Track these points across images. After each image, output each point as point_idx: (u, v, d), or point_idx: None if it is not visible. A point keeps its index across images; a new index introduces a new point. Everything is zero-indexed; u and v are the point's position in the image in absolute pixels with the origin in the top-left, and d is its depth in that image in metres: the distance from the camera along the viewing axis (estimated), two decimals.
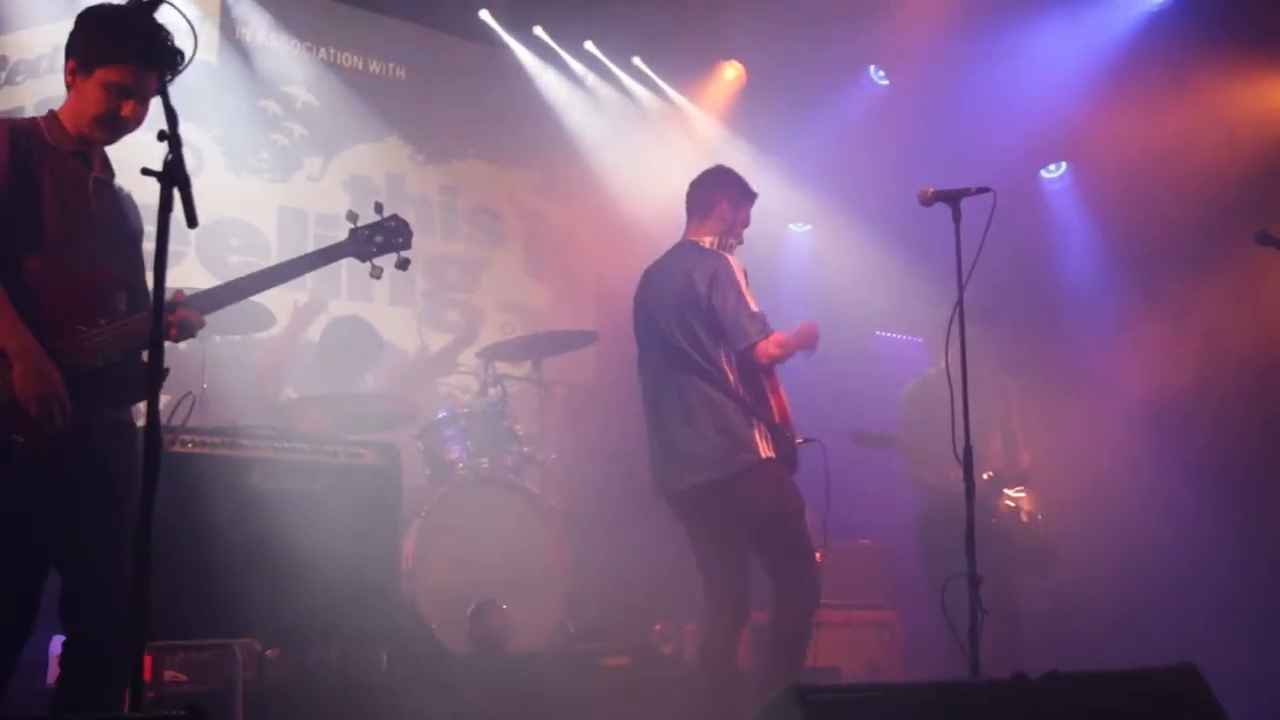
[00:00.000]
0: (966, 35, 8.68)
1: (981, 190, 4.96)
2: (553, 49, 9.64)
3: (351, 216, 4.40)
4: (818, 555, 7.64)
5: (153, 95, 3.99)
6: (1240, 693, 4.52)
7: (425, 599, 6.18)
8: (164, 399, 3.32)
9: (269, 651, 5.54)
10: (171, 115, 3.35)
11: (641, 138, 9.80)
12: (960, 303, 4.88)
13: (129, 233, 4.17)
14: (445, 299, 9.13)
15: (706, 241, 5.57)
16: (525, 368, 7.80)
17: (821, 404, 8.87)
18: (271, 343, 7.65)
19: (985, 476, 6.78)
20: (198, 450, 5.23)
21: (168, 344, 3.40)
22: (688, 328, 5.39)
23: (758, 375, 5.36)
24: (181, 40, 3.74)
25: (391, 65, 9.13)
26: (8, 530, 3.76)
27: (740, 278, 5.37)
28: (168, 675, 5.51)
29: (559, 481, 7.46)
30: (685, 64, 9.94)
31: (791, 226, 10.42)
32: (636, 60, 9.94)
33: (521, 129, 9.54)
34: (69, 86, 4.00)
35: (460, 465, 6.79)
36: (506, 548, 6.52)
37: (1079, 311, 8.91)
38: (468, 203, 9.38)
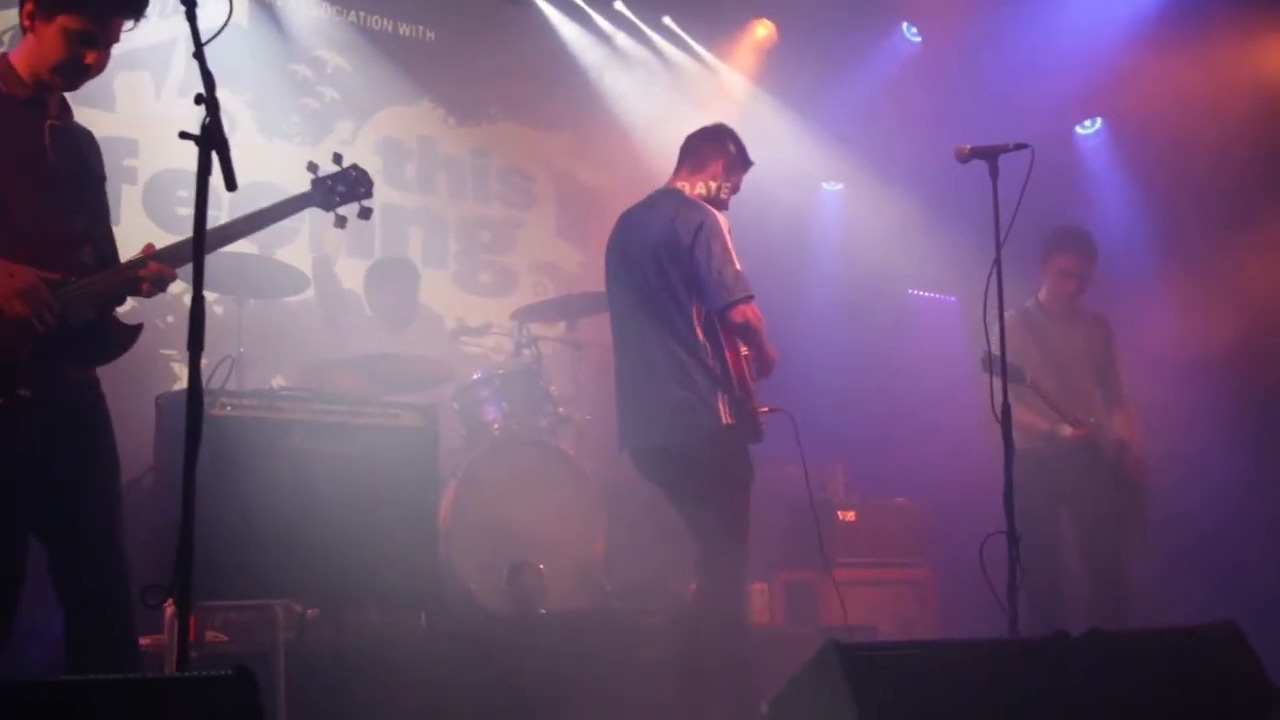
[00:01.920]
0: None
1: (1020, 146, 4.92)
2: (583, 9, 9.59)
3: (312, 167, 4.39)
4: (849, 515, 7.71)
5: (116, 41, 3.90)
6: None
7: (462, 559, 6.22)
8: (202, 362, 3.30)
9: (309, 612, 5.58)
10: (208, 79, 3.28)
11: (672, 98, 9.76)
12: (998, 260, 4.85)
13: (91, 179, 4.06)
14: (479, 260, 9.14)
15: (691, 191, 5.36)
16: (559, 329, 7.82)
17: (855, 362, 8.91)
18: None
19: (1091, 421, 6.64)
20: (236, 413, 5.25)
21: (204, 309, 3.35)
22: (664, 278, 5.18)
23: (727, 338, 5.17)
24: (216, 6, 3.61)
25: (421, 28, 9.11)
26: None
27: (727, 234, 5.16)
28: (209, 635, 5.55)
29: (594, 442, 7.46)
30: (716, 23, 9.88)
31: (824, 185, 10.37)
32: (667, 20, 9.88)
33: (552, 90, 9.52)
34: (25, 30, 3.86)
35: (496, 426, 6.82)
36: (542, 508, 6.56)
37: (1114, 268, 8.84)
38: (500, 164, 9.37)
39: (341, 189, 4.42)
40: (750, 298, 5.09)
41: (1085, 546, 6.62)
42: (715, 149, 5.47)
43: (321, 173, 4.40)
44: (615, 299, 5.47)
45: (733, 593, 5.17)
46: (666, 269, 5.18)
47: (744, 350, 5.22)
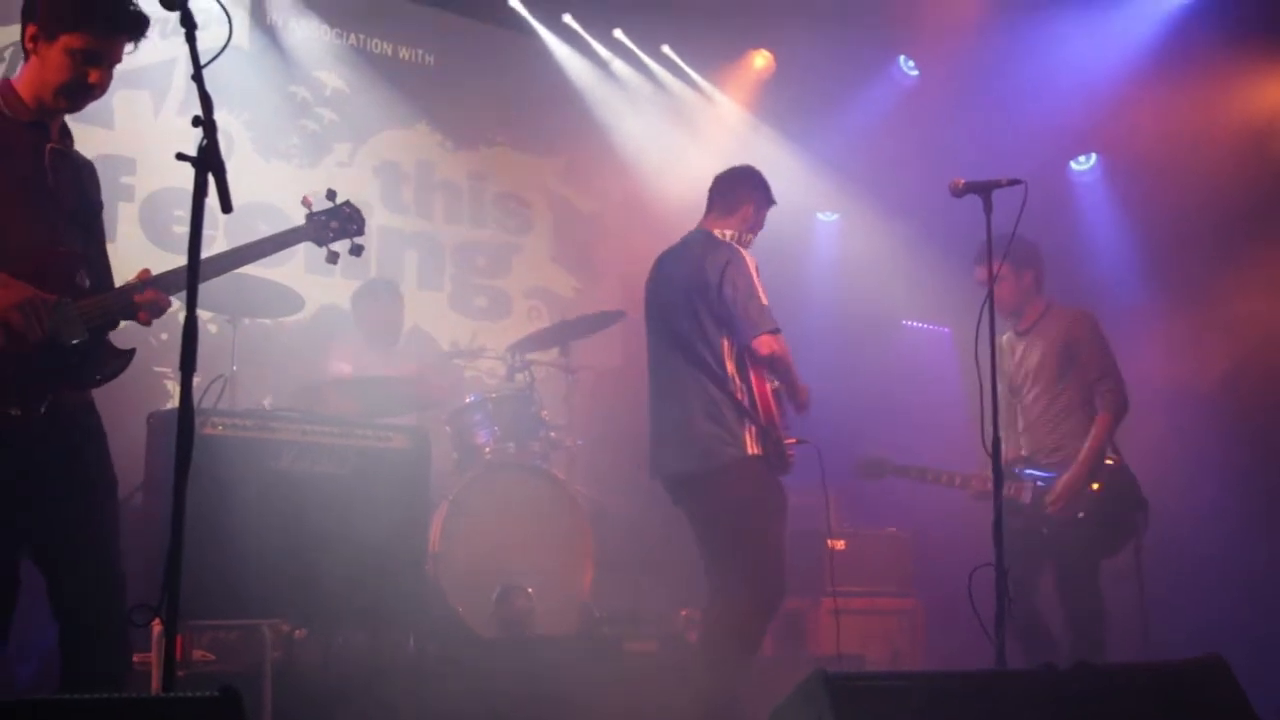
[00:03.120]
0: (996, 27, 8.66)
1: (1013, 182, 4.93)
2: (582, 36, 9.65)
3: (306, 202, 4.42)
4: (839, 544, 7.71)
5: (119, 61, 3.91)
6: (1267, 684, 4.52)
7: (452, 582, 6.22)
8: (194, 380, 3.31)
9: (297, 632, 5.59)
10: (206, 101, 3.29)
11: (670, 126, 9.81)
12: (990, 294, 4.87)
13: (88, 205, 4.07)
14: (474, 284, 9.16)
15: (722, 234, 5.55)
16: (552, 353, 7.84)
17: (848, 392, 8.92)
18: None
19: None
20: (228, 433, 5.26)
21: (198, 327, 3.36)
22: (694, 316, 5.38)
23: (756, 372, 5.33)
24: (217, 28, 3.63)
25: (421, 52, 9.15)
26: None
27: (753, 271, 5.37)
28: (197, 655, 5.54)
29: (585, 467, 7.49)
30: (714, 52, 9.93)
31: (819, 215, 10.41)
32: (665, 48, 9.94)
33: (550, 116, 9.56)
34: (28, 53, 3.86)
35: (488, 450, 6.83)
36: (533, 532, 6.57)
37: (1107, 303, 8.85)
38: (496, 189, 9.40)
39: (335, 225, 4.46)
40: (776, 331, 5.26)
41: (1057, 586, 6.40)
42: (747, 192, 5.66)
43: (316, 208, 4.43)
44: (651, 336, 5.67)
45: (754, 625, 5.30)
46: (697, 308, 5.37)
47: (774, 384, 5.36)
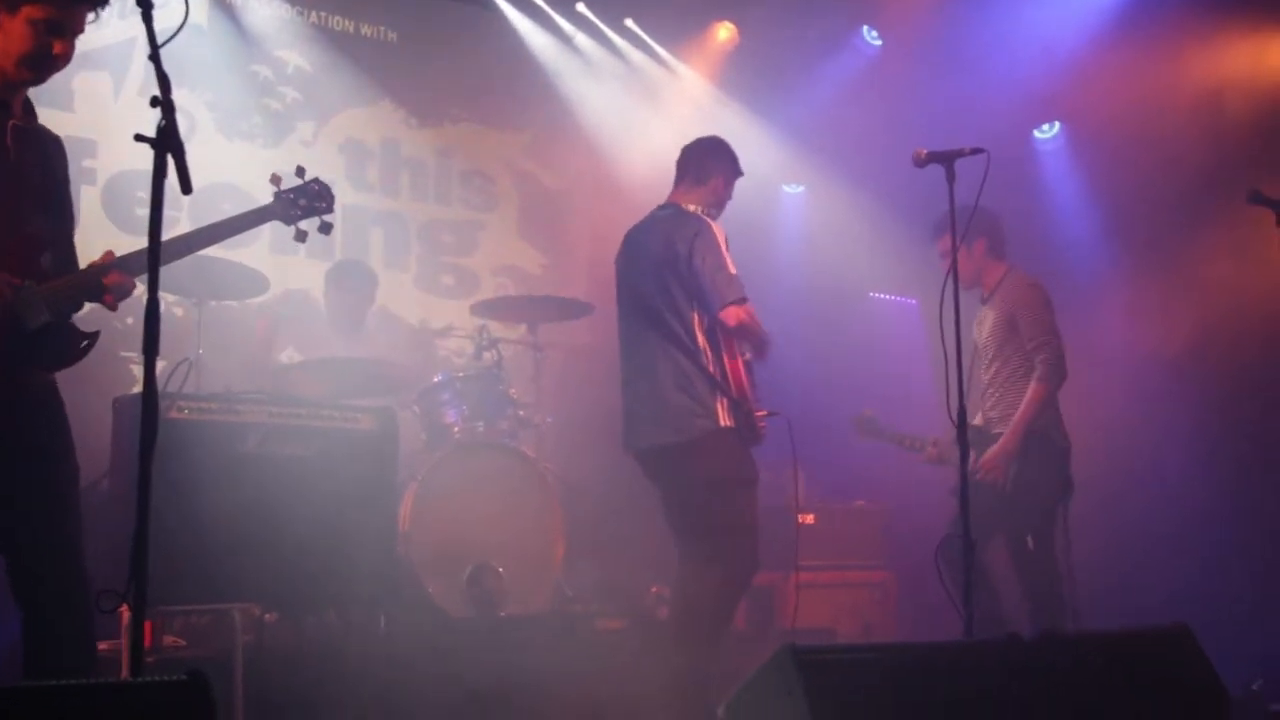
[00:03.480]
0: None
1: (975, 151, 4.95)
2: (544, 10, 9.59)
3: (275, 180, 4.39)
4: (809, 518, 7.74)
5: (81, 31, 3.89)
6: (1233, 653, 4.55)
7: (422, 563, 6.21)
8: (160, 364, 3.30)
9: (268, 616, 5.56)
10: (164, 81, 3.26)
11: (634, 99, 9.78)
12: (954, 264, 4.89)
13: (54, 182, 4.03)
14: (440, 262, 9.13)
15: (691, 207, 5.58)
16: (520, 331, 7.82)
17: (815, 364, 8.93)
18: (265, 312, 7.68)
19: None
20: (194, 416, 5.23)
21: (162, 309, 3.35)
22: (664, 289, 5.40)
23: (727, 344, 5.37)
24: (173, 6, 3.59)
25: (383, 28, 9.09)
26: None
27: (722, 243, 5.39)
28: (167, 640, 5.53)
29: (555, 445, 7.48)
30: (677, 25, 9.88)
31: (785, 187, 10.40)
32: (629, 21, 9.88)
33: (514, 91, 9.52)
34: None
35: (456, 429, 6.82)
36: (503, 511, 6.55)
37: (1072, 272, 8.89)
38: (462, 166, 9.36)
39: (303, 203, 4.44)
40: (744, 300, 5.28)
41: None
42: (715, 164, 5.70)
43: (284, 186, 4.39)
44: (621, 310, 5.68)
45: (726, 599, 5.32)
46: (667, 281, 5.39)
47: (745, 356, 5.40)
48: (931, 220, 6.41)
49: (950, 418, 4.86)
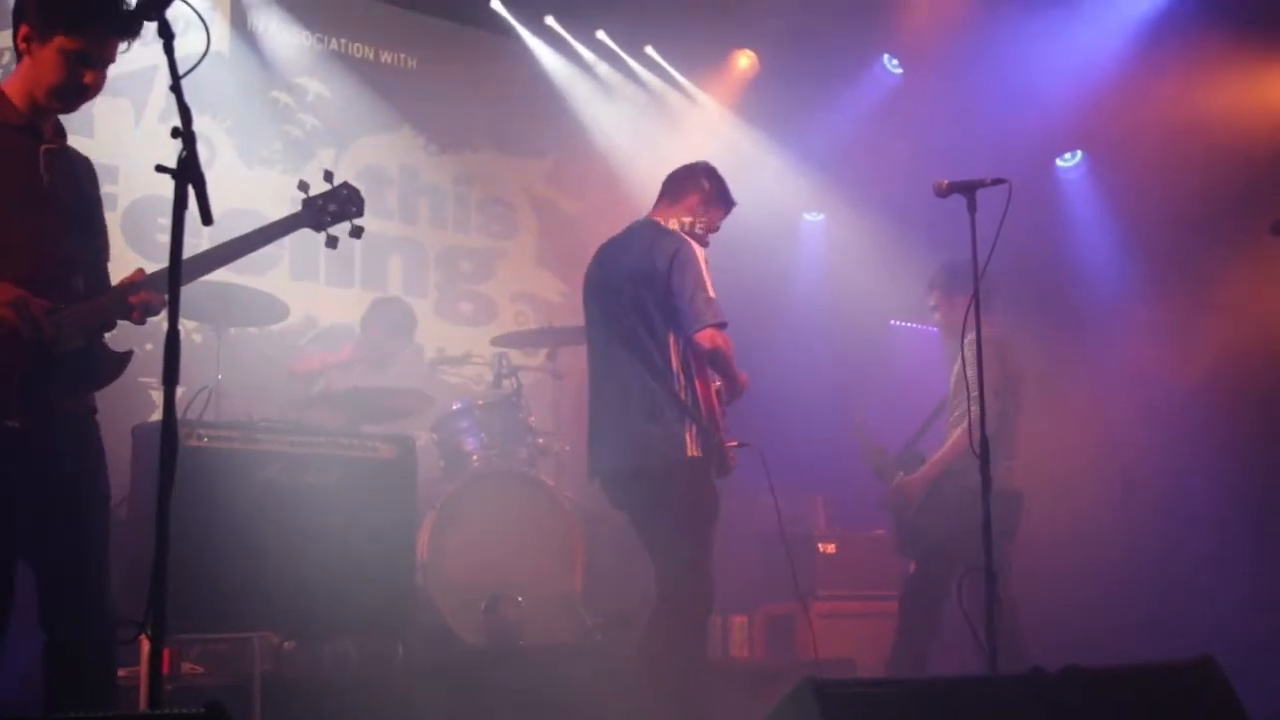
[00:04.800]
0: (980, 24, 8.63)
1: (997, 181, 4.92)
2: (564, 38, 9.62)
3: (303, 186, 4.31)
4: (829, 547, 7.70)
5: (112, 61, 3.89)
6: (1260, 686, 4.51)
7: (440, 592, 6.20)
8: (179, 391, 3.28)
9: (286, 644, 5.55)
10: (185, 112, 3.25)
11: (653, 127, 9.79)
12: (976, 295, 4.87)
13: (84, 203, 4.03)
14: (459, 289, 9.13)
15: (671, 224, 5.36)
16: (539, 358, 7.81)
17: (836, 393, 8.90)
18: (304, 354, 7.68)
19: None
20: (214, 445, 5.24)
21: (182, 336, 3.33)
22: (639, 309, 5.17)
23: (699, 369, 5.15)
24: (196, 34, 3.57)
25: (403, 55, 9.13)
26: None
27: (702, 263, 5.16)
28: (185, 667, 5.53)
29: (574, 473, 7.45)
30: (698, 53, 9.90)
31: (805, 215, 10.39)
32: (649, 49, 9.91)
33: (534, 119, 9.54)
34: (20, 54, 3.84)
35: (475, 457, 6.80)
36: (521, 539, 6.54)
37: (1096, 299, 8.88)
38: (481, 193, 9.38)
39: (333, 208, 4.33)
40: (722, 324, 5.08)
41: None
42: (691, 184, 5.49)
43: (312, 192, 4.34)
44: (591, 328, 5.47)
45: (686, 629, 5.08)
46: (642, 297, 5.18)
47: (716, 382, 5.21)
48: (955, 249, 6.40)
49: (972, 448, 4.84)
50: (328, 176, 4.38)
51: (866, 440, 6.90)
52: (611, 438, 5.22)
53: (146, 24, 3.55)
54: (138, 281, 3.88)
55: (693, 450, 5.07)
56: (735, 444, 5.23)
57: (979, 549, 6.23)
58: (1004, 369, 6.41)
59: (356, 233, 4.40)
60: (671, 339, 5.15)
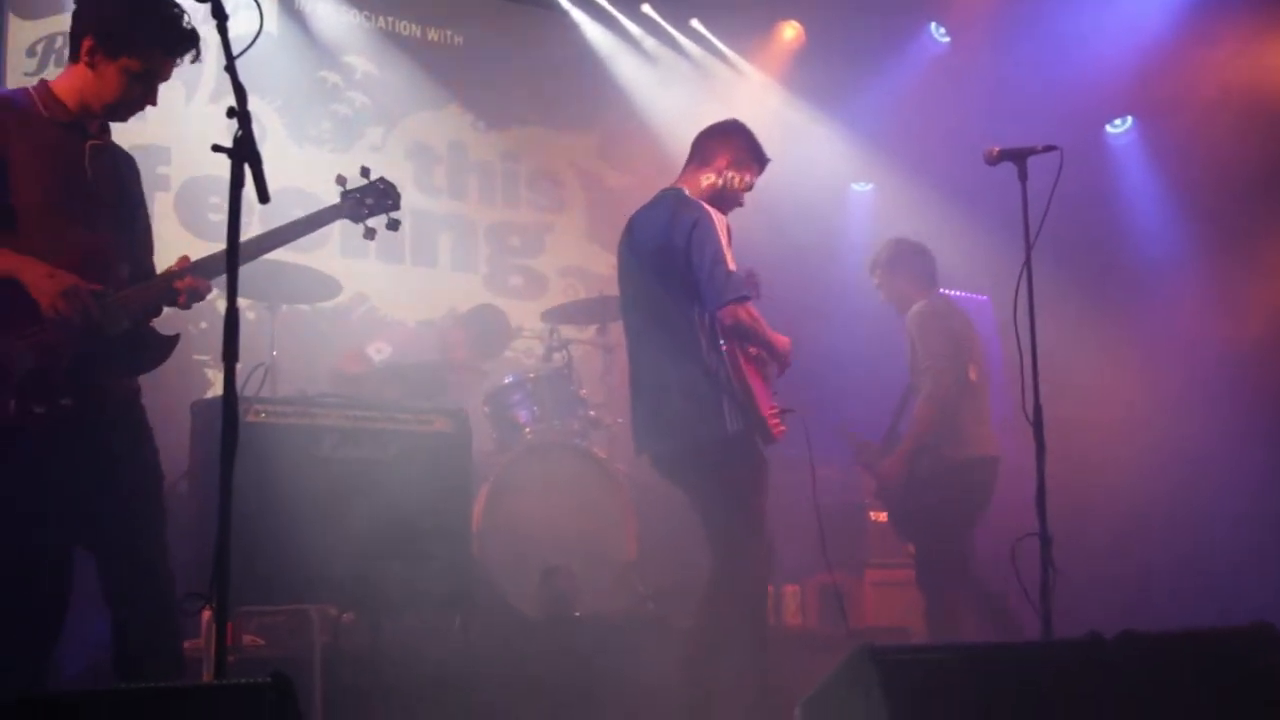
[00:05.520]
0: None
1: (1048, 148, 4.90)
2: (610, 12, 9.63)
3: (340, 180, 4.46)
4: (881, 516, 7.68)
5: (168, 78, 4.02)
6: None
7: (496, 563, 6.24)
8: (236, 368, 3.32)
9: (344, 616, 5.61)
10: (240, 92, 3.28)
11: (700, 99, 9.76)
12: (1028, 262, 4.85)
13: (129, 198, 4.14)
14: (508, 264, 9.17)
15: (690, 190, 5.26)
16: (590, 332, 7.84)
17: (885, 363, 8.88)
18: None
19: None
20: (271, 420, 5.29)
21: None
22: (665, 283, 5.09)
23: (729, 342, 5.02)
24: (246, 15, 3.63)
25: (449, 32, 9.16)
26: (31, 507, 3.76)
27: (721, 233, 5.05)
28: (246, 639, 5.59)
29: (626, 445, 7.43)
30: (743, 25, 9.88)
31: (853, 186, 10.36)
32: (694, 22, 9.90)
33: (580, 93, 9.56)
34: (86, 64, 3.92)
35: (528, 430, 6.84)
36: (575, 511, 6.59)
37: (1147, 266, 8.82)
38: (529, 168, 9.41)
39: (370, 201, 4.50)
40: (742, 298, 4.98)
41: None
42: (720, 143, 5.35)
43: (350, 185, 4.46)
44: (624, 305, 5.42)
45: (741, 601, 5.02)
46: (666, 273, 5.10)
47: (753, 350, 5.11)
48: (1005, 212, 6.41)
49: (1025, 415, 4.83)
50: (364, 171, 4.50)
51: (854, 441, 6.98)
52: (651, 418, 5.17)
53: (189, 4, 3.60)
54: (184, 268, 3.98)
55: (731, 424, 4.98)
56: (777, 410, 5.11)
57: (959, 518, 6.42)
58: (951, 336, 6.60)
59: (393, 225, 4.55)
60: (698, 313, 5.05)
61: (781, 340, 5.16)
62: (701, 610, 5.08)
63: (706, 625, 5.03)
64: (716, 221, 5.08)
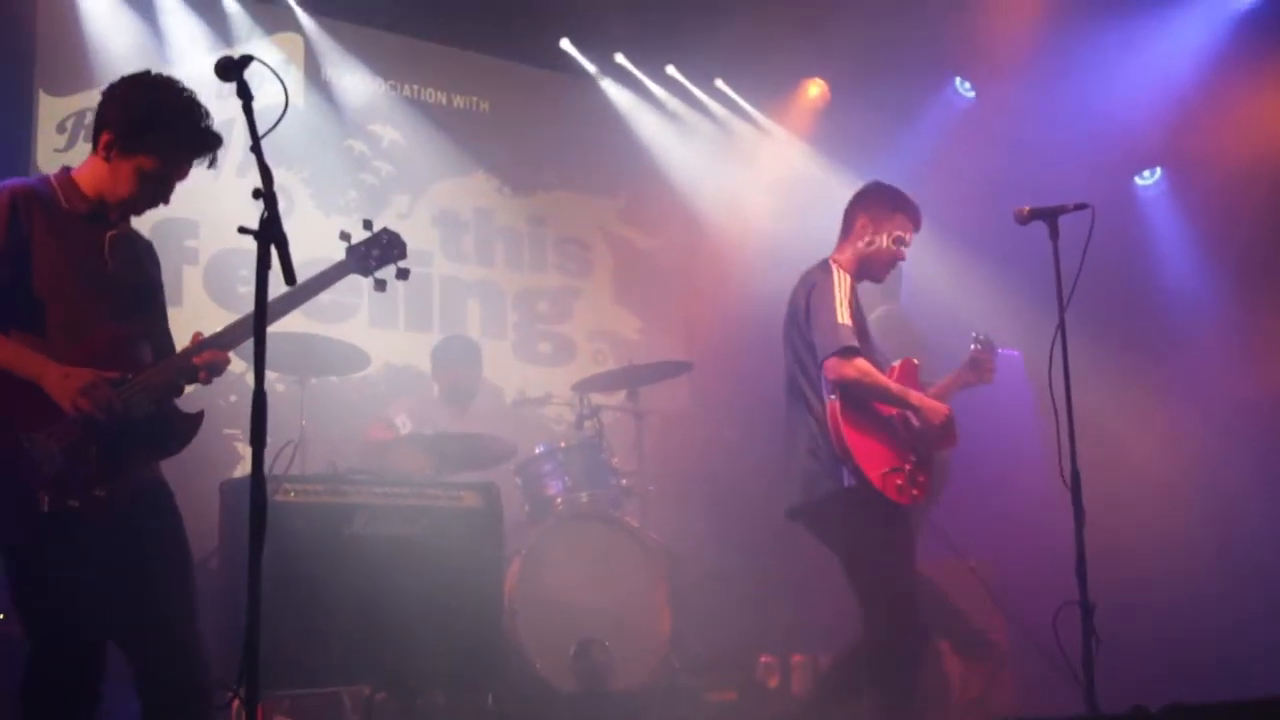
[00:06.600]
0: (1051, 42, 8.55)
1: (1080, 207, 4.86)
2: (634, 74, 9.64)
3: (345, 236, 4.42)
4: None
5: (184, 179, 4.03)
6: None
7: (528, 637, 6.17)
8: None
9: (378, 696, 5.55)
10: (266, 173, 3.30)
11: (726, 159, 9.78)
12: (1061, 325, 4.78)
13: (149, 286, 4.16)
14: (537, 330, 9.15)
15: (838, 260, 5.31)
16: (620, 397, 7.79)
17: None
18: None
19: None
20: (300, 499, 5.29)
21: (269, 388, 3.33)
22: (794, 348, 5.23)
23: (843, 396, 4.99)
24: (269, 85, 3.64)
25: (475, 99, 9.17)
26: (67, 599, 3.73)
27: (839, 290, 5.09)
28: None
29: (658, 513, 7.42)
30: (768, 83, 9.87)
31: None
32: (719, 82, 9.90)
33: (607, 156, 9.56)
34: (101, 157, 3.93)
35: (559, 501, 6.79)
36: (608, 583, 6.51)
37: (1179, 317, 8.74)
38: (556, 233, 9.40)
39: (376, 253, 4.47)
40: (846, 349, 4.98)
41: None
42: (856, 208, 5.44)
43: (355, 240, 4.44)
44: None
45: (881, 660, 5.01)
46: (795, 340, 5.23)
47: (883, 408, 5.10)
48: (1041, 272, 6.35)
49: (1063, 479, 4.75)
50: (367, 224, 4.49)
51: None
52: (788, 476, 5.24)
53: (224, 83, 3.58)
54: (199, 344, 3.96)
55: (849, 479, 5.00)
56: (899, 470, 5.06)
57: None
58: (910, 337, 6.74)
59: (403, 275, 4.52)
60: (815, 370, 5.10)
61: (929, 404, 5.15)
62: (838, 662, 5.17)
63: (841, 675, 5.12)
64: (838, 281, 5.16)
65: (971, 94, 9.74)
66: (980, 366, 5.71)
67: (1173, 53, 8.57)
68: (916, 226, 5.50)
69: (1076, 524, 4.69)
